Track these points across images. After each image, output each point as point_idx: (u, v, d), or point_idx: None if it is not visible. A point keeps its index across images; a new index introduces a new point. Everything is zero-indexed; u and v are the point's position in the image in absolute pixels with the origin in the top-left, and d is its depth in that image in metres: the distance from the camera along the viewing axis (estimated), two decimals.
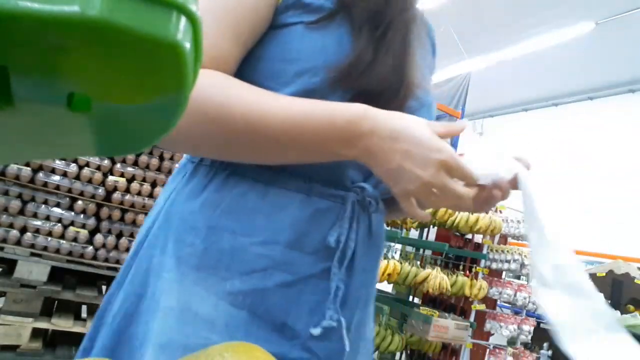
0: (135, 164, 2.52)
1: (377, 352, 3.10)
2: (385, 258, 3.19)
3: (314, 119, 0.47)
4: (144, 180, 2.50)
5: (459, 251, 3.59)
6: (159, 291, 0.52)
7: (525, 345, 3.54)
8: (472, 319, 3.34)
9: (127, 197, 2.44)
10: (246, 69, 0.54)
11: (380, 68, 0.53)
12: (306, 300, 0.55)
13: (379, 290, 3.38)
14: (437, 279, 3.02)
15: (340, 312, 0.55)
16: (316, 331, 0.54)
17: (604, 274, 4.05)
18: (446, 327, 2.81)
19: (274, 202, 0.54)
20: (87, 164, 2.39)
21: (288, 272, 0.54)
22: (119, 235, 2.46)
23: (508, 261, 3.48)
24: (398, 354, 3.33)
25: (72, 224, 2.34)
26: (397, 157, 0.46)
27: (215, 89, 0.47)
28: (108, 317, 0.55)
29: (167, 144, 0.54)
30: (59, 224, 2.31)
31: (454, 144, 8.07)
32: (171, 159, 2.59)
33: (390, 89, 0.55)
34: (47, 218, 2.29)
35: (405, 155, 0.46)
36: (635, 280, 3.89)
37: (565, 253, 0.50)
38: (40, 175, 2.28)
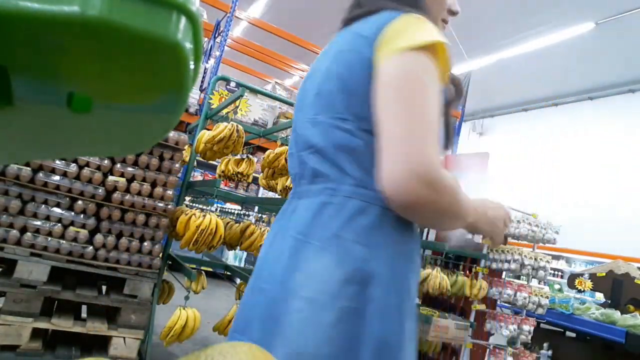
0: (135, 164, 2.52)
1: None
2: None
3: (479, 209, 0.85)
4: (144, 180, 2.50)
5: (458, 251, 3.59)
6: None
7: (525, 345, 3.54)
8: (472, 319, 3.34)
9: (127, 197, 2.43)
10: None
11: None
12: None
13: None
14: (437, 278, 3.01)
15: None
16: None
17: (604, 274, 4.04)
18: (446, 327, 2.81)
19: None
20: (87, 164, 2.38)
21: None
22: (119, 235, 2.45)
23: (508, 261, 3.47)
24: None
25: (72, 224, 2.33)
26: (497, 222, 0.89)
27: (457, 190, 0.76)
28: None
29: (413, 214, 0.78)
30: (59, 224, 2.30)
31: (454, 143, 8.04)
32: (171, 159, 2.59)
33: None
34: (47, 218, 2.29)
35: (497, 219, 0.89)
36: (635, 280, 3.88)
37: None
38: (40, 175, 2.27)
